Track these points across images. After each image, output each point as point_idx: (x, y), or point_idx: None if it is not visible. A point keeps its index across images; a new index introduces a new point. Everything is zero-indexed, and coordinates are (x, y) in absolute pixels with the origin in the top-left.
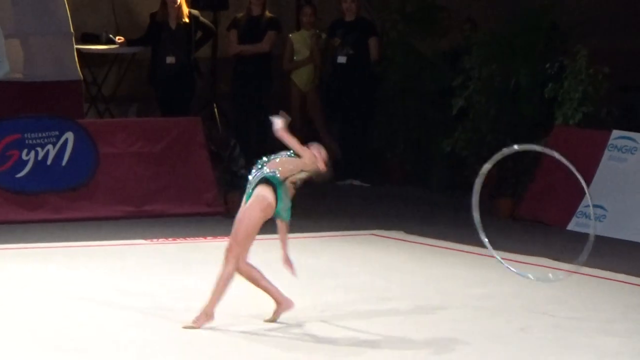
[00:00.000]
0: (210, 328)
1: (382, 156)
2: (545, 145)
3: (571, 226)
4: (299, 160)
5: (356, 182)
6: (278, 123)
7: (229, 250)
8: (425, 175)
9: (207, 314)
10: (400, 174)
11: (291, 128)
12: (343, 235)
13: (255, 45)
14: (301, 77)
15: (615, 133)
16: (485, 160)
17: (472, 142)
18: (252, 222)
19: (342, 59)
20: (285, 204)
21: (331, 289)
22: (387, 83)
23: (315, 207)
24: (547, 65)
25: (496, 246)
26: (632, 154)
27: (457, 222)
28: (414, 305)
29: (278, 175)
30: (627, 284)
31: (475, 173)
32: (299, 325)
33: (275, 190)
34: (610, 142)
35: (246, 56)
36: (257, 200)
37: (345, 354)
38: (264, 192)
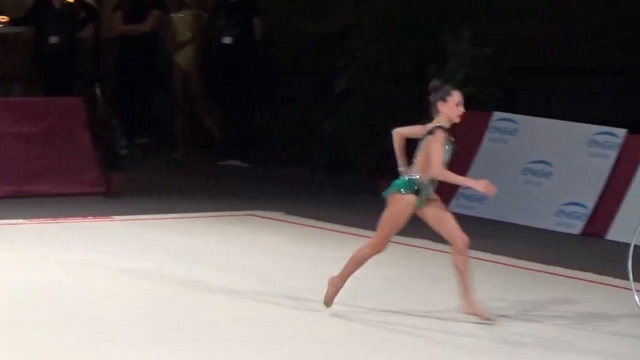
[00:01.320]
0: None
1: (265, 137)
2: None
3: (450, 207)
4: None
5: (237, 163)
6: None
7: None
8: (308, 156)
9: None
10: (284, 154)
11: (174, 107)
12: (222, 216)
13: (138, 25)
14: (183, 57)
15: (497, 115)
16: (367, 142)
17: (354, 124)
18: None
19: (227, 40)
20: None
21: (210, 269)
22: (272, 64)
23: (195, 188)
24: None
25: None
26: (512, 135)
27: (337, 203)
28: (291, 286)
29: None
30: (506, 266)
31: (357, 154)
32: (178, 302)
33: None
34: (491, 123)
35: (130, 36)
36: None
37: (219, 333)
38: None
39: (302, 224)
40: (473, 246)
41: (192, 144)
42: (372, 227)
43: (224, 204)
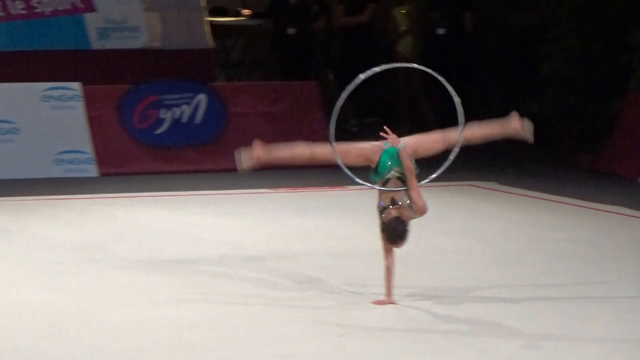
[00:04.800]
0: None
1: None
2: (619, 109)
3: None
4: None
5: None
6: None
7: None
8: None
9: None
10: None
11: (397, 91)
12: (445, 186)
13: (356, 17)
14: (403, 46)
15: None
16: (566, 121)
17: (556, 104)
18: None
19: (441, 31)
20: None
21: (438, 232)
22: (480, 52)
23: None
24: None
25: (576, 196)
26: None
27: (544, 175)
28: (505, 248)
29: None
30: None
31: (558, 132)
32: (413, 266)
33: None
34: None
35: (350, 27)
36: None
37: (443, 290)
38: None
39: (514, 193)
40: None
41: (414, 124)
42: (573, 194)
43: (444, 175)
